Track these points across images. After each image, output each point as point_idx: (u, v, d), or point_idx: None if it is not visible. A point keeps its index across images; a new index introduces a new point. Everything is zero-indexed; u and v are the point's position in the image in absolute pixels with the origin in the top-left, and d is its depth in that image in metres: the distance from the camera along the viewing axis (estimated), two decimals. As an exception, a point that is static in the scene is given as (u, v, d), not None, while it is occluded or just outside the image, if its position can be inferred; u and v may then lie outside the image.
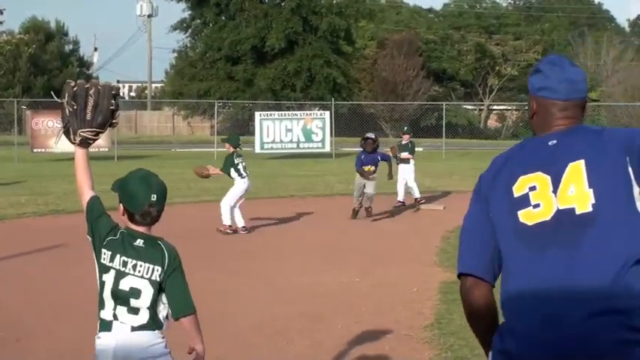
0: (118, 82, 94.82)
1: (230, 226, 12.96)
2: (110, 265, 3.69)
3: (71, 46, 62.10)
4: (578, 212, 2.48)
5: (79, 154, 3.89)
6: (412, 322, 7.12)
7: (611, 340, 2.36)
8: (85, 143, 3.84)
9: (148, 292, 3.68)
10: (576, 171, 2.53)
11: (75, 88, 3.79)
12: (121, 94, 3.69)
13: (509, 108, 70.48)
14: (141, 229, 3.80)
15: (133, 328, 3.66)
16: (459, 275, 2.69)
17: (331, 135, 35.20)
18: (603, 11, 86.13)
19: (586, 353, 2.36)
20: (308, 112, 39.58)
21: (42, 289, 8.73)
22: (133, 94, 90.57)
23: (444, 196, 18.34)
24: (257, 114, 36.27)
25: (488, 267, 2.63)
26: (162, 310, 3.75)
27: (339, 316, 7.48)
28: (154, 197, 3.75)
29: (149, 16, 71.50)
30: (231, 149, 13.61)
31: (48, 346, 6.56)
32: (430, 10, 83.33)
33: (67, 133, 3.81)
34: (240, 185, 13.23)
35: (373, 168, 14.38)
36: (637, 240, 2.45)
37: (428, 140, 40.75)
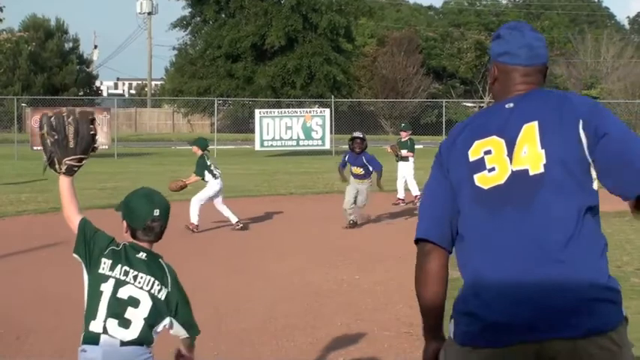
0: (118, 79, 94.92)
1: (197, 225, 12.79)
2: (110, 274, 3.67)
3: (71, 44, 62.06)
4: (531, 173, 2.50)
5: (65, 182, 3.81)
6: (412, 320, 7.11)
7: (571, 296, 2.37)
8: (70, 171, 3.78)
9: (146, 304, 3.65)
10: (530, 132, 2.54)
11: (52, 118, 3.72)
12: (97, 119, 3.69)
13: (509, 105, 70.48)
14: (144, 245, 3.79)
15: (122, 343, 3.60)
16: (417, 240, 2.70)
17: (331, 132, 35.20)
18: (603, 9, 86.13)
19: (545, 310, 2.37)
20: (308, 109, 39.55)
21: (42, 287, 8.73)
22: (132, 91, 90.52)
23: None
24: (257, 111, 36.28)
25: (446, 234, 2.64)
26: (159, 327, 3.73)
27: (339, 313, 7.48)
28: (156, 212, 3.74)
29: (149, 13, 71.49)
30: (199, 152, 13.32)
31: (48, 343, 6.56)
32: (430, 7, 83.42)
33: (51, 164, 3.75)
34: (214, 186, 13.06)
35: (362, 171, 13.04)
36: (586, 197, 2.48)
37: (428, 138, 40.73)
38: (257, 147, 34.87)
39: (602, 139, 2.50)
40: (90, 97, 56.28)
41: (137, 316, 3.62)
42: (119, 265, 3.68)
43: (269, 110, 37.44)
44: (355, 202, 13.00)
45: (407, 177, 16.51)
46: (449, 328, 2.64)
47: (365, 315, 7.42)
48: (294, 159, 32.10)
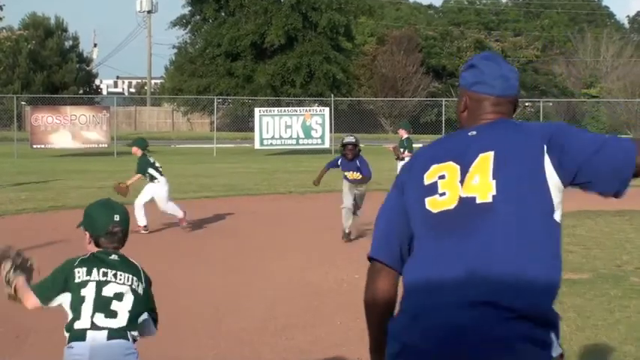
0: (118, 77, 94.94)
1: (146, 226, 12.47)
2: (88, 278, 3.78)
3: (71, 42, 62.08)
4: (478, 201, 2.48)
5: (21, 282, 4.01)
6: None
7: (491, 334, 2.34)
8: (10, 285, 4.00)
9: (129, 298, 3.79)
10: (484, 162, 2.52)
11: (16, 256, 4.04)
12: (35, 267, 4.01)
13: (508, 104, 70.50)
14: (110, 250, 3.93)
15: (110, 335, 3.71)
16: (369, 259, 2.70)
17: (331, 131, 35.20)
18: (603, 8, 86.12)
19: (471, 342, 2.34)
20: (307, 108, 39.57)
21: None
22: (132, 90, 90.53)
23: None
24: (256, 110, 36.29)
25: (396, 254, 2.63)
26: (141, 318, 3.86)
27: (338, 312, 7.48)
28: (116, 217, 3.90)
29: (149, 12, 71.49)
30: (139, 152, 12.93)
31: (48, 342, 6.55)
32: (430, 6, 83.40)
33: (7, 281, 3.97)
34: (164, 186, 12.71)
35: (359, 175, 12.03)
36: (537, 231, 2.45)
37: (428, 136, 40.68)
38: (257, 145, 34.88)
39: (574, 156, 2.50)
40: (89, 96, 56.30)
41: (122, 308, 3.76)
42: (95, 269, 3.80)
43: (269, 109, 37.44)
44: (355, 203, 12.22)
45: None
46: None
47: (357, 314, 7.41)
48: (293, 158, 32.11)
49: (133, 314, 3.78)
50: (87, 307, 3.74)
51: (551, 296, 2.46)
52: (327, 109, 36.00)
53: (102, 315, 3.72)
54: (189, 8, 55.15)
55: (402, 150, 16.60)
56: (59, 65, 57.71)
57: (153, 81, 74.77)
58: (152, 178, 12.70)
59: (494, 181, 2.49)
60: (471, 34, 72.06)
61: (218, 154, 34.25)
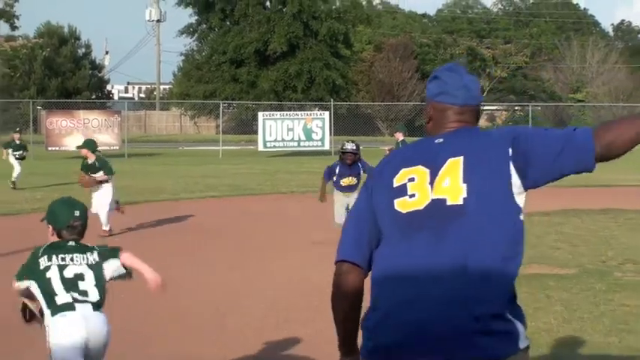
0: (128, 83, 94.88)
1: (110, 230, 12.02)
2: (50, 263, 4.10)
3: (83, 50, 61.97)
4: (448, 203, 2.48)
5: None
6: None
7: (459, 327, 2.34)
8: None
9: (90, 274, 4.13)
10: (454, 166, 2.53)
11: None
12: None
13: (498, 108, 70.49)
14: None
15: (94, 308, 4.06)
16: (337, 262, 2.68)
17: (330, 134, 35.23)
18: (589, 16, 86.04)
19: (435, 337, 2.35)
20: (308, 112, 39.58)
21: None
22: (142, 95, 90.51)
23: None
24: (260, 114, 36.30)
25: (365, 255, 2.62)
26: (106, 279, 4.22)
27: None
28: (77, 213, 4.23)
29: (158, 21, 71.49)
30: (91, 154, 12.24)
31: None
32: (424, 15, 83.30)
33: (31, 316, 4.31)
34: (112, 187, 12.22)
35: (355, 180, 11.45)
36: (497, 232, 2.45)
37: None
38: (260, 148, 34.88)
39: (534, 156, 2.53)
40: (102, 101, 56.24)
41: (89, 285, 4.10)
42: (54, 255, 4.13)
43: (271, 113, 37.46)
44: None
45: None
46: None
47: (363, 308, 7.39)
48: (295, 159, 32.10)
49: (100, 287, 4.12)
50: (58, 286, 4.05)
51: (511, 294, 2.47)
52: (326, 113, 36.00)
53: (76, 294, 4.03)
54: (196, 17, 55.15)
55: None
56: (73, 72, 57.64)
57: (162, 86, 74.76)
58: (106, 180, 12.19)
59: (465, 184, 2.49)
60: (463, 41, 72.07)
61: (223, 156, 34.24)
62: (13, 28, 57.54)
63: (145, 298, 7.68)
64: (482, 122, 71.78)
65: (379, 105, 54.45)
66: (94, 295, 4.09)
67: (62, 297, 4.02)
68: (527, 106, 49.48)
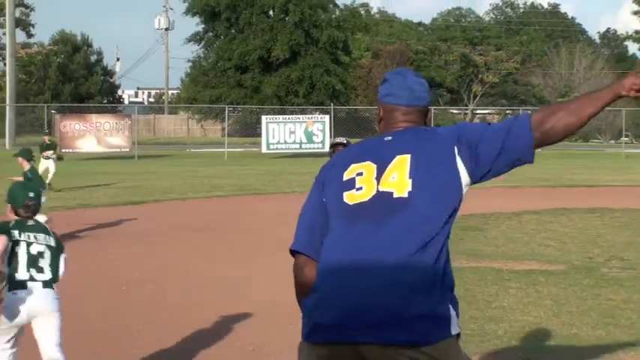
0: (138, 88, 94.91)
1: None
2: (19, 238, 4.55)
3: (96, 57, 61.98)
4: (395, 196, 2.51)
5: None
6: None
7: (396, 312, 2.36)
8: None
9: (47, 254, 4.60)
10: (402, 162, 2.56)
11: None
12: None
13: (491, 112, 70.53)
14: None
15: (44, 286, 4.55)
16: (292, 252, 2.71)
17: (330, 137, 35.18)
18: (576, 25, 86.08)
19: (370, 320, 2.37)
20: (309, 116, 39.58)
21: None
22: (151, 99, 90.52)
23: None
24: (263, 117, 36.31)
25: (317, 246, 2.63)
26: (60, 268, 4.68)
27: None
28: (31, 194, 4.76)
29: (166, 29, 71.57)
30: (26, 164, 11.59)
31: (70, 326, 6.53)
32: (420, 23, 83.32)
33: None
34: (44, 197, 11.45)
35: None
36: (437, 225, 2.48)
37: (418, 141, 40.76)
38: (264, 150, 34.89)
39: (477, 150, 2.55)
40: (113, 105, 56.25)
41: (45, 264, 4.59)
42: (23, 232, 4.57)
43: (274, 116, 37.46)
44: None
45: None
46: None
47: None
48: (297, 160, 32.10)
49: (54, 267, 4.62)
50: (22, 264, 4.52)
51: (445, 285, 2.48)
52: (327, 117, 36.02)
53: (34, 270, 4.53)
54: (203, 26, 55.17)
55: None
56: (85, 77, 57.65)
57: (170, 91, 74.81)
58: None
59: (411, 179, 2.52)
60: (457, 48, 72.06)
61: (229, 158, 34.25)
62: (29, 35, 57.64)
63: (152, 293, 7.69)
64: (475, 125, 71.81)
65: (377, 109, 54.41)
66: (48, 274, 4.59)
67: (21, 274, 4.49)
68: (518, 110, 49.43)
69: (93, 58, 61.46)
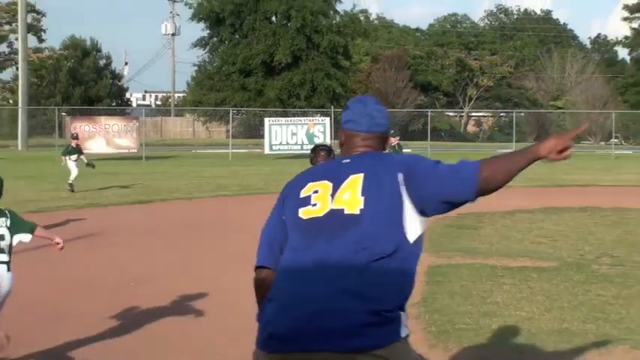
0: (146, 91, 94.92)
1: None
2: None
3: (105, 61, 61.97)
4: (346, 212, 2.56)
5: None
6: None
7: (347, 319, 2.39)
8: None
9: (7, 236, 4.98)
10: (354, 181, 2.61)
11: None
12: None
13: (485, 115, 70.54)
14: None
15: (7, 268, 4.93)
16: (256, 267, 2.76)
17: (331, 138, 35.21)
18: (568, 30, 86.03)
19: (324, 328, 2.39)
20: (311, 118, 39.57)
21: (78, 273, 8.70)
22: (158, 102, 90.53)
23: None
24: (266, 120, 36.33)
25: (277, 260, 2.68)
26: (14, 244, 5.06)
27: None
28: None
29: (173, 34, 71.59)
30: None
31: (80, 324, 6.54)
32: (417, 29, 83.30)
33: None
34: None
35: None
36: (387, 241, 2.50)
37: (415, 143, 40.71)
38: (266, 151, 34.92)
39: (419, 188, 2.58)
40: (121, 107, 56.29)
41: (5, 245, 4.94)
42: None
43: (277, 119, 37.49)
44: None
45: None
46: None
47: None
48: (299, 161, 32.06)
49: (10, 249, 5.00)
50: None
51: (395, 293, 2.51)
52: (327, 119, 36.05)
53: None
54: (208, 31, 55.11)
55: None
56: (95, 81, 57.65)
57: (176, 94, 74.82)
58: None
59: (363, 197, 2.57)
60: (453, 53, 72.04)
61: (233, 158, 34.26)
62: (41, 40, 57.63)
63: (160, 288, 7.69)
64: (470, 127, 71.77)
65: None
66: (7, 255, 4.95)
67: None
68: (512, 112, 49.45)
69: (102, 62, 61.47)
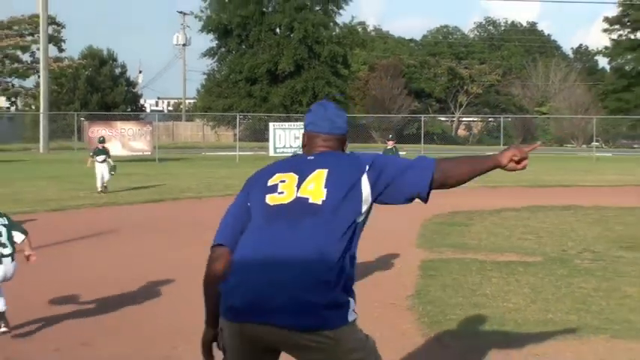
0: (159, 98, 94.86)
1: None
2: None
3: (120, 70, 61.89)
4: (310, 201, 2.61)
5: None
6: (397, 293, 7.11)
7: (299, 299, 2.42)
8: None
9: (5, 233, 5.48)
10: (319, 175, 2.67)
11: None
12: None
13: (475, 119, 70.51)
14: None
15: (12, 259, 5.43)
16: (213, 246, 2.77)
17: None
18: (551, 41, 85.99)
19: (277, 306, 2.43)
20: (312, 122, 39.60)
21: (95, 268, 8.70)
22: (170, 108, 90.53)
23: (422, 191, 18.24)
24: (271, 124, 36.35)
25: (235, 242, 2.70)
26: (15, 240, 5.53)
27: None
28: None
29: (184, 45, 71.59)
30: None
31: (97, 313, 6.53)
32: (411, 40, 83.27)
33: None
34: None
35: None
36: (343, 231, 2.56)
37: (409, 146, 40.67)
38: (271, 153, 34.90)
39: (380, 177, 2.66)
40: (136, 113, 56.26)
41: (5, 240, 5.45)
42: None
43: (281, 123, 37.52)
44: None
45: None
46: None
47: (358, 290, 7.34)
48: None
49: (11, 243, 5.47)
50: None
51: (345, 281, 2.55)
52: (328, 124, 36.05)
53: (1, 247, 5.38)
54: (217, 42, 55.25)
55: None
56: (111, 88, 57.63)
57: (187, 101, 74.81)
58: None
59: (326, 189, 2.63)
60: (444, 62, 72.02)
61: (240, 160, 34.25)
62: (61, 50, 57.58)
63: (173, 284, 7.68)
64: (461, 131, 71.72)
65: (373, 117, 54.48)
66: (9, 248, 5.43)
67: None
68: (499, 117, 49.43)
69: (118, 70, 61.42)
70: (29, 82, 56.39)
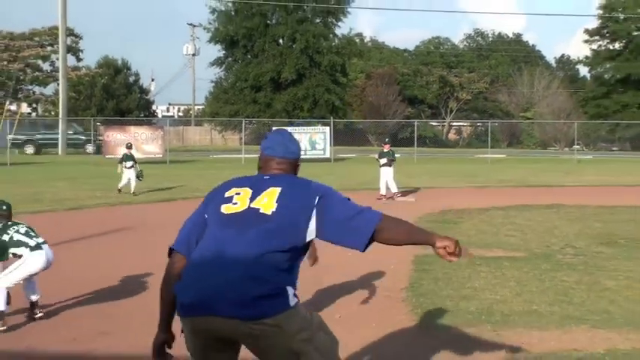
0: (170, 104, 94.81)
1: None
2: (8, 231, 5.83)
3: (134, 78, 61.82)
4: (261, 212, 2.69)
5: None
6: (391, 286, 7.11)
7: (242, 294, 2.51)
8: None
9: (25, 231, 5.94)
10: (273, 192, 2.74)
11: None
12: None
13: (464, 124, 70.52)
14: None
15: (48, 247, 5.94)
16: (170, 250, 2.84)
17: (331, 145, 35.26)
18: (536, 51, 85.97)
19: (225, 300, 2.51)
20: (313, 127, 39.57)
21: (112, 263, 8.70)
22: (180, 113, 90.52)
23: (415, 191, 18.30)
24: (274, 129, 36.30)
25: (192, 248, 2.77)
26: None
27: (335, 281, 7.47)
28: (4, 207, 6.02)
29: (193, 55, 71.55)
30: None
31: (115, 302, 6.54)
32: (405, 50, 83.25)
33: None
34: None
35: None
36: (286, 241, 2.62)
37: (403, 149, 40.65)
38: (274, 155, 34.90)
39: (328, 213, 2.69)
40: (148, 118, 56.24)
41: (34, 233, 5.95)
42: (10, 226, 5.91)
43: (284, 128, 37.48)
44: None
45: (387, 179, 16.47)
46: None
47: (355, 283, 7.40)
48: (302, 165, 31.89)
49: (34, 235, 5.91)
50: (23, 239, 5.77)
51: (282, 279, 2.61)
52: (327, 129, 36.01)
53: (35, 241, 5.82)
54: (224, 52, 55.26)
55: (384, 159, 16.69)
56: (125, 95, 57.57)
57: (196, 107, 74.80)
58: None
59: (277, 204, 2.70)
60: (436, 71, 72.03)
61: (246, 162, 34.24)
62: (79, 60, 57.52)
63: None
64: (451, 135, 71.72)
65: (369, 122, 54.46)
66: (41, 238, 5.94)
67: (32, 243, 5.78)
68: (487, 122, 49.42)
69: (131, 79, 61.33)
70: (49, 90, 56.38)
